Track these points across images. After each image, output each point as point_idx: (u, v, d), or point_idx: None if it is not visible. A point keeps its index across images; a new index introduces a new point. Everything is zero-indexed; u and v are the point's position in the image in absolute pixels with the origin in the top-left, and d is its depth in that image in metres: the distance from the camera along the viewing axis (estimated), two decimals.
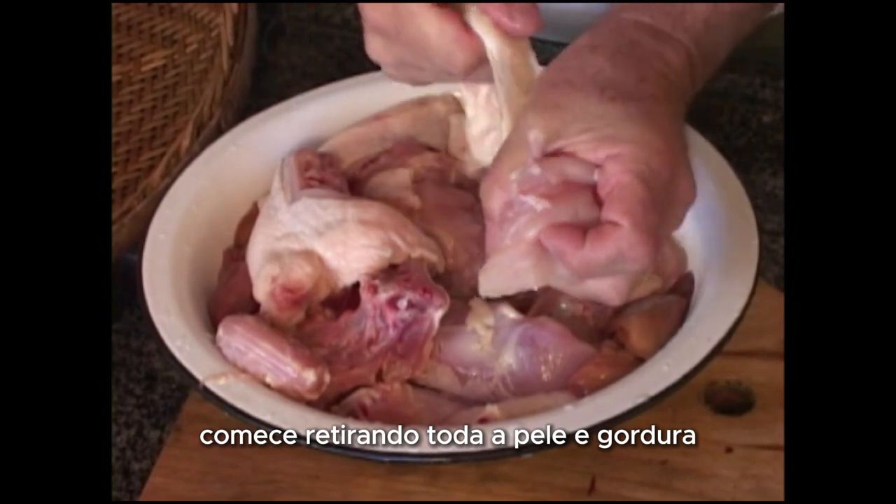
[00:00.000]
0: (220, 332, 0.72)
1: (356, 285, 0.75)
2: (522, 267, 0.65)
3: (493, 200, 0.67)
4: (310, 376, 0.70)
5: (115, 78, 0.99)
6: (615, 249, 0.63)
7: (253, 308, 0.75)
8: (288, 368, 0.70)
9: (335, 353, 0.73)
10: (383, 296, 0.72)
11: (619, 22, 0.71)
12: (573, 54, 0.70)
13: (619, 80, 0.67)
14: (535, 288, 0.66)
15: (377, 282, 0.73)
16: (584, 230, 0.64)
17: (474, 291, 0.76)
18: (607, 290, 0.66)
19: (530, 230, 0.65)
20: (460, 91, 0.83)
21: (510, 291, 0.67)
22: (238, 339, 0.71)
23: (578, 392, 0.70)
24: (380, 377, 0.72)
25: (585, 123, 0.66)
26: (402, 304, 0.73)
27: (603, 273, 0.65)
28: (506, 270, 0.66)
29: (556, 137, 0.66)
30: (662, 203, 0.65)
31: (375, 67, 0.77)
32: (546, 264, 0.65)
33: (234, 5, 0.98)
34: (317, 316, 0.75)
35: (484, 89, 0.80)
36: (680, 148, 0.68)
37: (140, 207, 0.84)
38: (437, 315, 0.72)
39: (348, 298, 0.75)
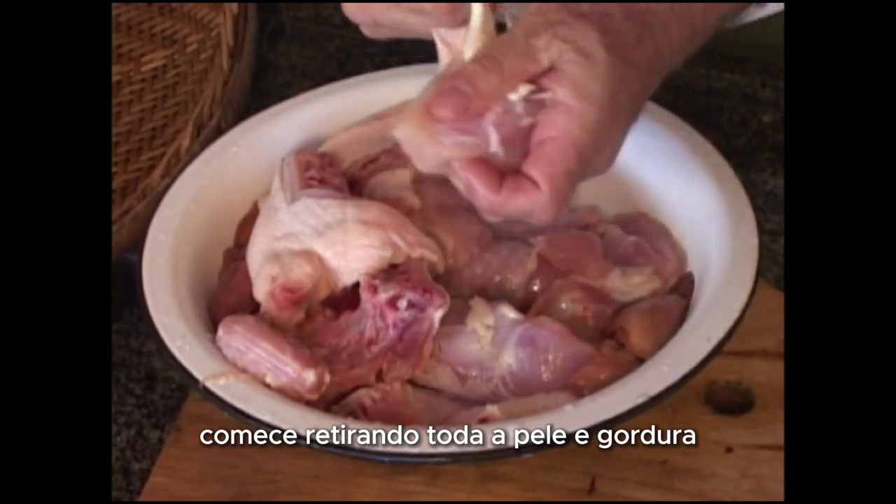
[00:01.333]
0: (220, 332, 0.72)
1: (356, 285, 0.75)
2: (427, 156, 0.66)
3: (485, 96, 0.65)
4: (310, 376, 0.70)
5: (115, 78, 1.00)
6: (528, 207, 0.66)
7: (253, 308, 0.75)
8: (288, 368, 0.70)
9: (335, 353, 0.73)
10: (383, 296, 0.72)
11: None
12: None
13: (621, 33, 0.67)
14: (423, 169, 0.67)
15: (377, 282, 0.73)
16: (500, 173, 0.66)
17: (474, 291, 0.77)
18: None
19: (465, 151, 0.65)
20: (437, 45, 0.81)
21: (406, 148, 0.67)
22: (238, 339, 0.71)
23: (578, 392, 0.70)
24: (380, 377, 0.72)
25: (573, 56, 0.65)
26: (402, 304, 0.73)
27: (504, 218, 0.68)
28: (419, 139, 0.66)
29: (541, 41, 0.65)
30: (583, 172, 0.66)
31: (375, 67, 0.77)
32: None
33: (234, 5, 0.98)
34: (317, 316, 0.75)
35: (458, 43, 0.79)
36: (626, 125, 0.68)
37: (140, 207, 0.84)
38: (437, 315, 0.72)
39: (348, 298, 0.75)
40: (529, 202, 0.65)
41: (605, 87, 0.65)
